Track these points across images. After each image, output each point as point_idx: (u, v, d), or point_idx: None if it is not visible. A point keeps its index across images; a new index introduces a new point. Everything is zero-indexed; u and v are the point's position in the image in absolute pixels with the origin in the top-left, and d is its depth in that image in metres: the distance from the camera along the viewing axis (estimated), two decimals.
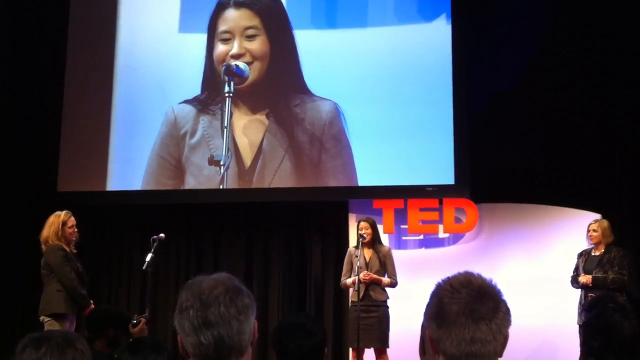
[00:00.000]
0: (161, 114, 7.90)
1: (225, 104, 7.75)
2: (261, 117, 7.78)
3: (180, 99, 7.90)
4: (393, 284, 6.57)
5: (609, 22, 7.45)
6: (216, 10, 8.00)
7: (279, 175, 7.60)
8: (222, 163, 7.63)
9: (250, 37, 7.87)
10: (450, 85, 7.40)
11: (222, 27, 7.94)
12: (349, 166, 7.53)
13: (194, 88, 7.90)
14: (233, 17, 7.96)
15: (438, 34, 7.53)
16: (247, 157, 7.69)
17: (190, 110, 7.90)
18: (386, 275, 6.61)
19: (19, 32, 8.07)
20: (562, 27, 7.58)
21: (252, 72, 7.81)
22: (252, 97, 7.83)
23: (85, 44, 8.13)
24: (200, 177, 7.75)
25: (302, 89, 7.74)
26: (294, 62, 7.79)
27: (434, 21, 7.60)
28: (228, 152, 7.65)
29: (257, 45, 7.86)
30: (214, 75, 7.91)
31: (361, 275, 6.38)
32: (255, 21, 7.91)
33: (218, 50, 7.90)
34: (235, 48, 7.84)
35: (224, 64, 7.80)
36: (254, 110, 7.82)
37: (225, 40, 7.90)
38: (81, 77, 8.07)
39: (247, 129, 7.77)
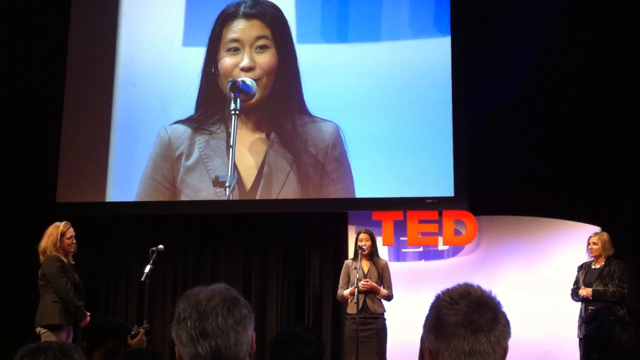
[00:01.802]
0: (160, 126, 7.79)
1: (230, 122, 7.57)
2: (263, 135, 7.65)
3: (181, 115, 7.76)
4: (389, 297, 6.54)
5: (609, 34, 7.47)
6: (221, 20, 7.84)
7: (282, 196, 7.52)
8: (227, 184, 7.49)
9: (261, 49, 7.71)
10: (449, 98, 7.40)
11: (230, 37, 7.80)
12: (350, 190, 7.49)
13: (194, 106, 7.78)
14: (243, 27, 7.82)
15: (437, 48, 7.53)
16: (249, 178, 7.56)
17: (184, 130, 7.72)
18: (383, 287, 6.58)
19: (19, 45, 8.08)
20: (562, 40, 7.60)
21: (258, 88, 7.66)
22: (256, 115, 7.70)
23: (85, 56, 8.08)
24: (197, 199, 7.61)
25: (301, 107, 7.64)
26: (296, 78, 7.70)
27: (433, 36, 7.60)
28: (234, 172, 7.52)
29: (268, 58, 7.72)
30: (212, 90, 7.76)
31: (361, 283, 6.35)
32: (266, 32, 7.78)
33: (225, 63, 7.75)
34: (245, 60, 7.68)
35: (230, 79, 7.64)
36: (256, 128, 7.69)
37: (234, 51, 7.75)
38: (81, 88, 8.03)
39: (249, 148, 7.63)
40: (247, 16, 7.84)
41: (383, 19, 7.73)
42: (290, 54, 7.75)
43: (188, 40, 7.95)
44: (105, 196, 7.81)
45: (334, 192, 7.51)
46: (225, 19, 7.87)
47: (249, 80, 7.65)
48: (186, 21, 8.00)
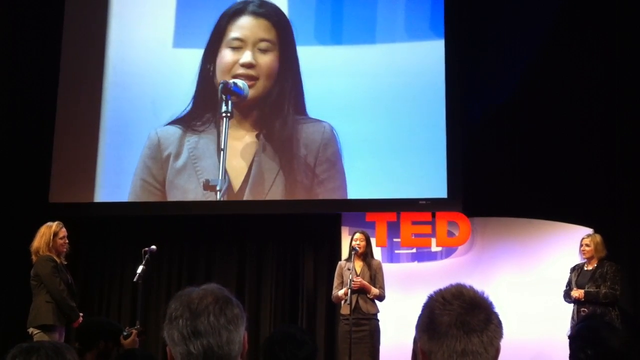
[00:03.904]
0: (151, 128, 7.74)
1: (221, 124, 7.52)
2: (254, 136, 7.61)
3: (172, 116, 7.72)
4: (381, 296, 6.54)
5: (606, 36, 7.49)
6: (228, 16, 7.77)
7: (270, 198, 7.49)
8: (218, 188, 7.44)
9: (264, 51, 7.67)
10: (443, 100, 7.41)
11: (234, 33, 7.74)
12: (342, 190, 7.46)
13: (187, 106, 7.73)
14: (249, 25, 7.76)
15: (432, 51, 7.54)
16: (238, 179, 7.53)
17: (174, 131, 7.68)
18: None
19: (12, 46, 8.05)
20: (557, 42, 7.62)
21: (254, 89, 7.60)
22: (248, 117, 7.66)
23: (78, 57, 8.05)
24: (184, 200, 7.60)
25: (298, 109, 7.61)
26: (298, 82, 7.64)
27: (427, 39, 7.60)
28: (225, 176, 7.47)
29: (269, 61, 7.66)
30: (207, 90, 7.72)
31: (352, 280, 6.35)
32: (272, 34, 7.73)
33: (225, 58, 7.70)
34: (246, 57, 7.61)
35: (221, 81, 7.58)
36: (247, 129, 7.64)
37: (236, 48, 7.69)
38: (74, 88, 8.00)
39: (239, 149, 7.59)
40: (255, 14, 7.80)
41: (378, 21, 7.73)
42: (293, 57, 7.71)
43: (178, 41, 7.91)
44: (98, 196, 7.79)
45: (322, 193, 7.48)
46: (232, 15, 7.79)
47: (240, 82, 7.60)
48: (177, 23, 7.95)
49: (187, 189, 7.58)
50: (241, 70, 7.62)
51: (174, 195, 7.61)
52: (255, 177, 7.51)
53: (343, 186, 7.45)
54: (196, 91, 7.78)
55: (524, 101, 7.58)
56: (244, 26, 7.76)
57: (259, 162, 7.54)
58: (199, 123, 7.70)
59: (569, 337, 2.71)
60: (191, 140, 7.66)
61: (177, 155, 7.64)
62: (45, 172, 7.83)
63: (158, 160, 7.68)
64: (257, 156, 7.55)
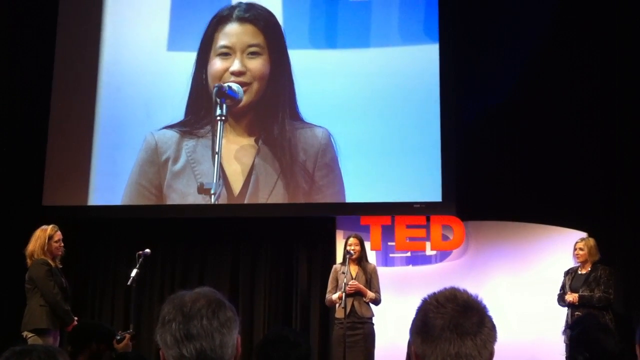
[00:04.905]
0: (145, 131, 7.71)
1: (216, 127, 7.51)
2: (252, 142, 7.59)
3: (166, 119, 7.69)
4: (377, 300, 6.54)
5: (600, 39, 7.50)
6: (214, 23, 7.78)
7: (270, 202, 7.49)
8: (212, 192, 7.43)
9: (253, 55, 7.65)
10: (437, 103, 7.42)
11: (221, 41, 7.73)
12: (340, 196, 7.46)
13: (181, 109, 7.71)
14: (236, 32, 7.75)
15: (426, 55, 7.54)
16: (237, 184, 7.51)
17: (172, 135, 7.65)
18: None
19: (6, 48, 8.02)
20: (555, 42, 7.62)
21: (248, 94, 7.60)
22: (244, 121, 7.65)
23: (71, 61, 8.02)
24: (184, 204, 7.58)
25: (293, 113, 7.60)
26: (290, 85, 7.64)
27: (422, 42, 7.61)
28: (219, 179, 7.45)
29: (259, 64, 7.66)
30: (201, 94, 7.70)
31: (349, 283, 6.35)
32: (259, 39, 7.71)
33: (215, 66, 7.69)
34: (235, 65, 7.61)
35: (216, 85, 7.58)
36: (244, 134, 7.62)
37: (225, 55, 7.68)
38: (69, 90, 7.99)
39: (237, 154, 7.57)
40: (241, 20, 7.78)
41: (372, 25, 7.74)
42: (284, 60, 7.70)
43: (173, 44, 7.89)
44: (92, 199, 7.76)
45: (321, 199, 7.48)
46: (218, 22, 7.80)
47: (235, 86, 7.59)
48: (171, 25, 7.94)
49: (187, 193, 7.55)
50: (232, 78, 7.62)
51: (172, 199, 7.58)
52: (256, 181, 7.50)
53: (341, 192, 7.46)
54: (191, 97, 7.75)
55: (519, 105, 7.58)
56: (231, 33, 7.75)
57: (259, 166, 7.52)
58: (197, 127, 7.67)
59: (566, 339, 2.74)
60: (189, 144, 7.64)
61: (176, 159, 7.62)
62: (38, 175, 7.80)
63: (155, 164, 7.65)
64: (257, 161, 7.53)
